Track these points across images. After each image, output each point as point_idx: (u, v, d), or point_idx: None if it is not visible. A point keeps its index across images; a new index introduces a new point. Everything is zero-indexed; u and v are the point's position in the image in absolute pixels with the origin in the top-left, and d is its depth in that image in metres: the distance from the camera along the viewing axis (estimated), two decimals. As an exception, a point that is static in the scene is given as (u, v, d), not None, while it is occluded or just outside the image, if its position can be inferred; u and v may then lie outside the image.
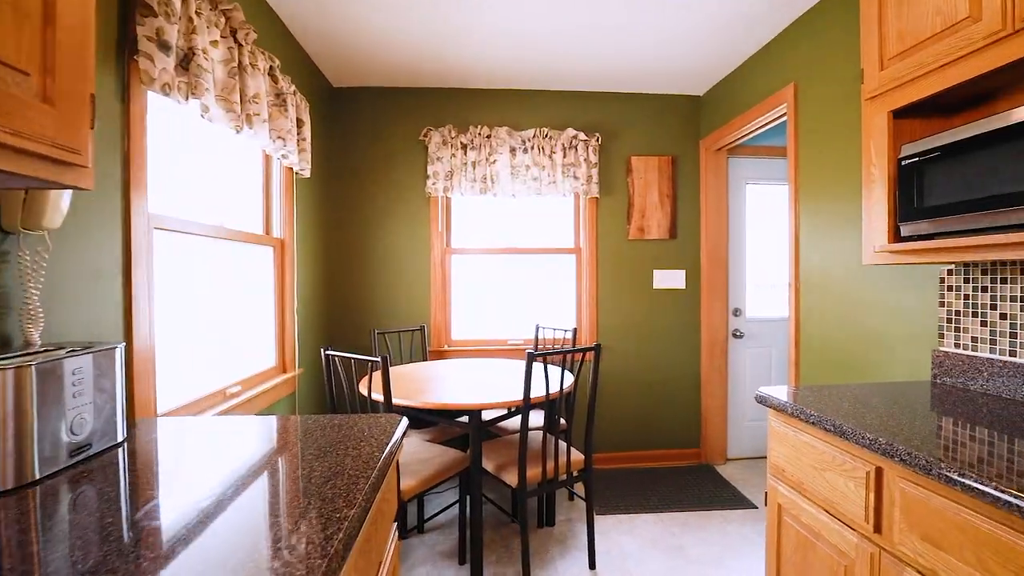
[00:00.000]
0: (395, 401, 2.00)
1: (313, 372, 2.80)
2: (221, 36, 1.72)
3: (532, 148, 3.19)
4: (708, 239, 3.33)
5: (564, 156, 3.22)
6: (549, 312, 3.41)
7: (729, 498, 2.84)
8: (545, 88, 3.30)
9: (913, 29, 1.40)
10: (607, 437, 3.35)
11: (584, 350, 2.14)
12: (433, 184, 3.16)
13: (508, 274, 3.38)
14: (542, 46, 2.69)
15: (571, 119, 3.33)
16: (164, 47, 1.39)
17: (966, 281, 1.59)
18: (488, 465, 2.22)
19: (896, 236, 1.49)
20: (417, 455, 2.23)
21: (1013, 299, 1.45)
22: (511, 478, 2.10)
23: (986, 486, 0.87)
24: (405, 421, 1.25)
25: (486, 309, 3.36)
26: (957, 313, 1.61)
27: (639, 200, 3.33)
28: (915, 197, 1.37)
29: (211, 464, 0.96)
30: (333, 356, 2.03)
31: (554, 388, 2.18)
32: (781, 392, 1.55)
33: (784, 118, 2.57)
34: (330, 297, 3.18)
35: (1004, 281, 1.48)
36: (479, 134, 3.17)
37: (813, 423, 1.32)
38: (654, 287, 3.37)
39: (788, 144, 2.45)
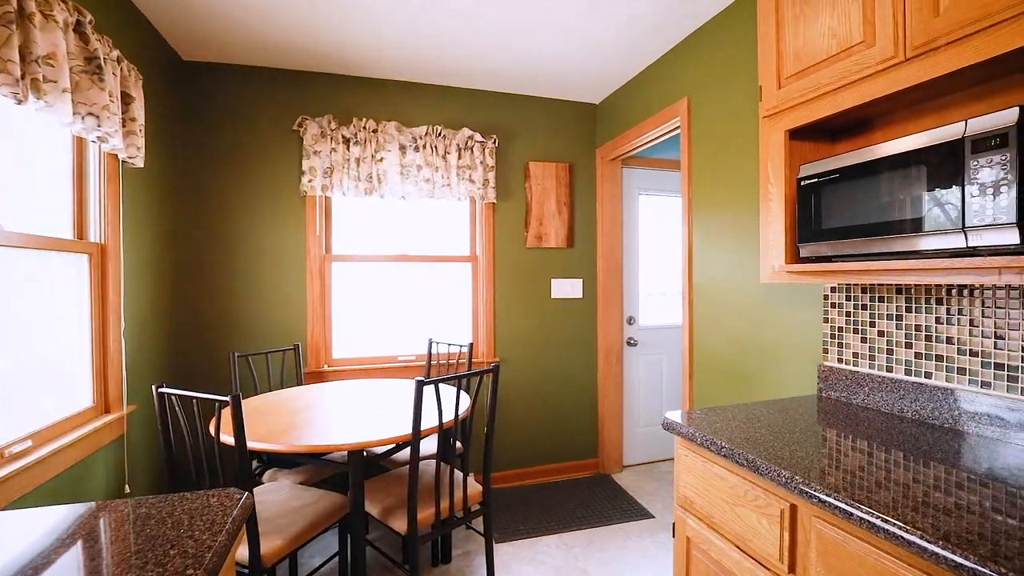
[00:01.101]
0: (252, 445, 1.64)
1: (150, 408, 2.28)
2: (-17, -34, 1.25)
3: (424, 147, 2.93)
4: (604, 248, 3.32)
5: (459, 157, 3.01)
6: (444, 325, 3.16)
7: (628, 510, 2.82)
8: (439, 83, 3.05)
9: (810, 50, 1.39)
10: (506, 454, 3.20)
11: (481, 372, 1.93)
12: (309, 181, 2.76)
13: (398, 284, 3.08)
14: (436, 35, 2.45)
15: (467, 118, 3.12)
16: None
17: (847, 299, 1.65)
18: (373, 508, 1.92)
19: (795, 256, 1.49)
20: (285, 504, 1.87)
21: (889, 317, 1.52)
22: (399, 523, 1.83)
23: (911, 534, 0.81)
24: (248, 501, 0.95)
25: (373, 323, 3.03)
26: (840, 329, 1.67)
27: (537, 207, 3.22)
28: (814, 218, 1.36)
29: None
30: (169, 395, 1.60)
31: (448, 416, 1.95)
32: (677, 415, 1.48)
33: (678, 131, 2.60)
34: (176, 315, 2.64)
35: (881, 300, 1.54)
36: (364, 128, 2.83)
37: (725, 456, 1.24)
38: (552, 296, 3.28)
39: (682, 158, 2.47)
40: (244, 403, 2.18)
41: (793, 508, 1.09)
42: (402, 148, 2.91)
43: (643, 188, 3.49)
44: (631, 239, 3.46)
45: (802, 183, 1.39)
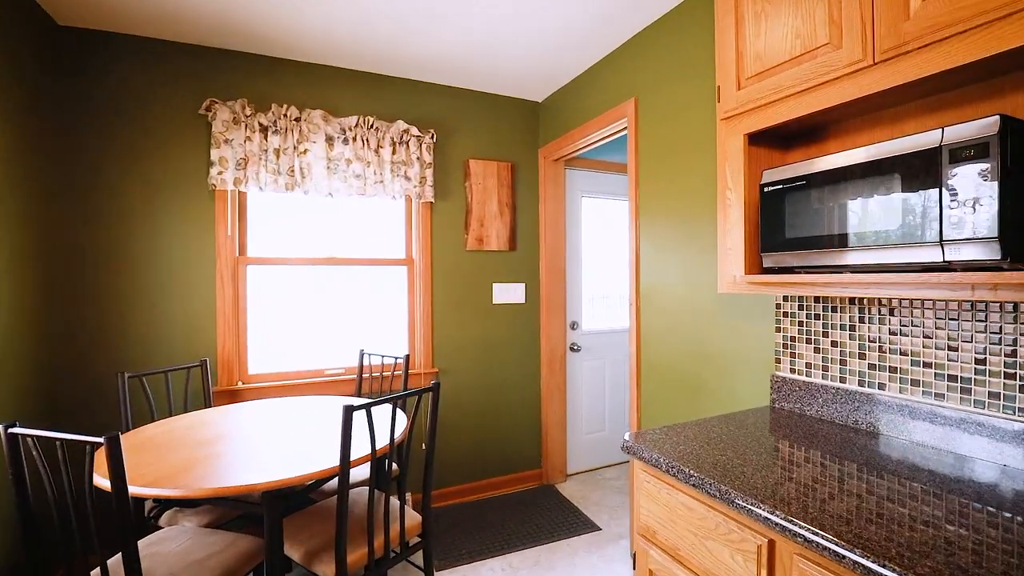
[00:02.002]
0: (140, 491, 1.34)
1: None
2: None
3: (355, 139, 2.67)
4: (547, 251, 3.21)
5: (394, 152, 2.77)
6: (377, 334, 2.91)
7: (574, 523, 2.72)
8: (372, 71, 2.80)
9: (772, 50, 1.33)
10: (446, 470, 3.00)
11: (420, 392, 1.74)
12: (219, 173, 2.41)
13: (326, 290, 2.79)
14: (369, 18, 2.21)
15: (402, 110, 2.89)
16: None
17: (800, 308, 1.62)
18: (295, 551, 1.67)
19: (757, 266, 1.42)
20: (185, 556, 1.58)
21: (843, 327, 1.50)
22: (327, 568, 1.59)
23: (914, 584, 0.73)
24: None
25: (297, 333, 2.72)
26: (792, 339, 1.64)
27: (478, 208, 3.05)
28: (777, 227, 1.30)
29: None
30: (22, 437, 1.27)
31: (383, 442, 1.74)
32: (635, 437, 1.38)
33: (624, 132, 2.53)
34: (45, 329, 2.21)
35: (835, 310, 1.52)
36: (285, 115, 2.53)
37: (694, 485, 1.14)
38: (494, 302, 3.12)
39: (628, 160, 2.40)
40: (136, 434, 1.83)
41: (771, 544, 1.00)
42: (329, 140, 2.63)
43: (586, 191, 3.42)
44: (574, 242, 3.38)
45: (765, 189, 1.33)
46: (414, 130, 2.79)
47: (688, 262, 2.08)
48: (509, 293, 3.17)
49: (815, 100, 1.24)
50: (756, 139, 1.45)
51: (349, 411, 1.50)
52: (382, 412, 2.11)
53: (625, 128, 2.47)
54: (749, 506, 1.00)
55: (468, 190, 3.03)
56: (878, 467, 1.15)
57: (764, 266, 1.36)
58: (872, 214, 1.08)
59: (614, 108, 2.49)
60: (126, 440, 1.77)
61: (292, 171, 2.54)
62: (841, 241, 1.15)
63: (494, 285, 3.12)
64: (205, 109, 2.44)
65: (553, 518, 2.79)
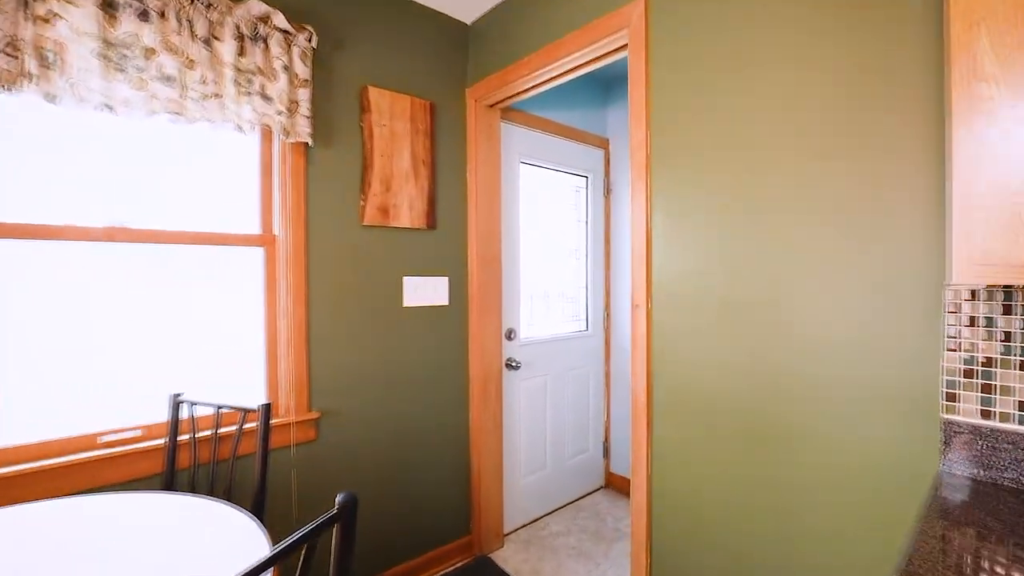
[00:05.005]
0: None
1: None
2: None
3: (163, 15, 1.48)
4: (479, 232, 2.30)
5: (241, 53, 1.63)
6: (208, 364, 1.73)
7: (534, 626, 1.87)
8: (196, -95, 1.61)
9: None
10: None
11: (312, 535, 0.73)
12: None
13: (112, 287, 1.54)
14: None
15: (255, -11, 1.75)
16: None
17: (1005, 310, 0.97)
18: None
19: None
20: None
21: (1115, 344, 0.87)
22: None
23: None
24: None
25: (50, 367, 1.44)
26: (988, 361, 0.99)
27: (382, 162, 2.02)
28: None
29: None
30: None
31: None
32: None
33: (616, 56, 1.74)
34: None
35: (1095, 313, 0.89)
36: (-2, -65, 1.26)
37: None
38: (405, 304, 2.12)
39: (632, 91, 1.61)
40: None
41: None
42: (108, 6, 1.41)
43: (527, 155, 2.58)
44: (511, 222, 2.52)
45: None
46: (280, 20, 1.68)
47: (749, 238, 1.35)
48: (427, 291, 2.19)
49: None
50: None
51: None
52: (234, 542, 1.02)
53: (621, 47, 1.68)
54: None
55: (366, 133, 1.98)
56: None
57: None
58: None
59: (606, 16, 1.68)
60: None
61: (17, 48, 1.28)
62: None
63: (405, 280, 2.12)
64: None
65: (503, 620, 1.90)
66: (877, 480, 1.12)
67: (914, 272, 1.07)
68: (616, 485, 3.01)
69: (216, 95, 1.56)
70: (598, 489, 3.00)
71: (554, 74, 1.93)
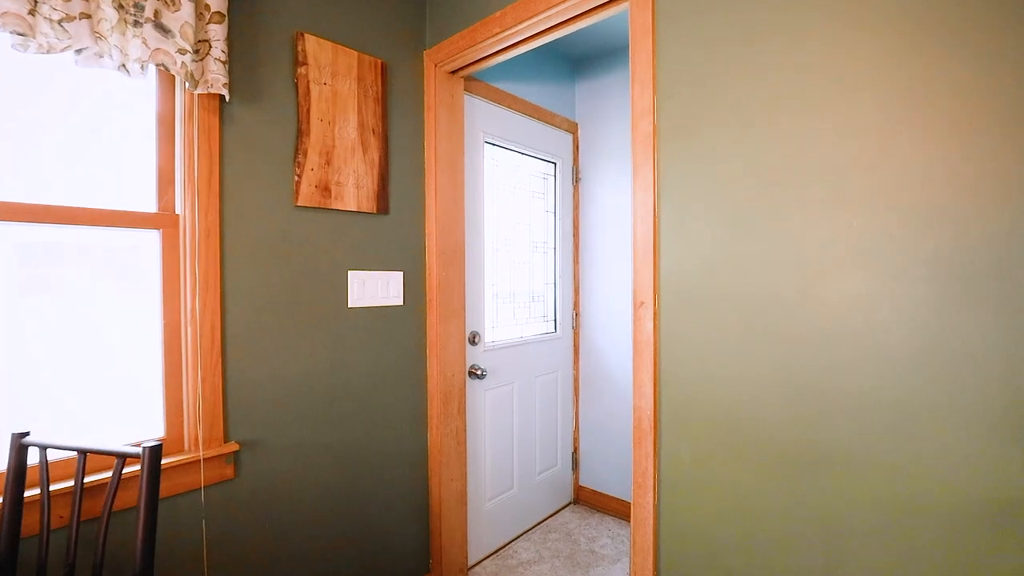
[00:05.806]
0: None
1: None
2: None
3: None
4: (439, 219, 1.96)
5: (126, -35, 1.21)
6: (80, 387, 1.28)
7: None
8: None
9: None
10: (256, 637, 1.52)
11: None
12: None
13: (-91, 278, 1.07)
14: None
15: None
16: None
17: None
18: None
19: None
20: None
21: None
22: None
23: None
24: None
25: None
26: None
27: (321, 128, 1.64)
28: None
29: None
30: None
31: None
32: None
33: (612, 9, 1.46)
34: None
35: None
36: None
37: None
38: (351, 304, 1.75)
39: (637, 55, 1.35)
40: None
41: None
42: None
43: (491, 134, 2.26)
44: (474, 209, 2.19)
45: None
46: (180, -73, 1.27)
47: (775, 235, 1.11)
48: (377, 288, 1.83)
49: None
50: None
51: None
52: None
53: (624, 4, 1.41)
54: None
55: (301, 91, 1.59)
56: None
57: None
58: None
59: (598, -42, 1.41)
60: None
61: None
62: None
63: (351, 275, 1.75)
64: None
65: None
66: (952, 512, 0.91)
67: (994, 260, 0.86)
68: (585, 499, 2.76)
69: (84, 15, 1.13)
70: (567, 505, 2.74)
71: (536, 31, 1.62)
